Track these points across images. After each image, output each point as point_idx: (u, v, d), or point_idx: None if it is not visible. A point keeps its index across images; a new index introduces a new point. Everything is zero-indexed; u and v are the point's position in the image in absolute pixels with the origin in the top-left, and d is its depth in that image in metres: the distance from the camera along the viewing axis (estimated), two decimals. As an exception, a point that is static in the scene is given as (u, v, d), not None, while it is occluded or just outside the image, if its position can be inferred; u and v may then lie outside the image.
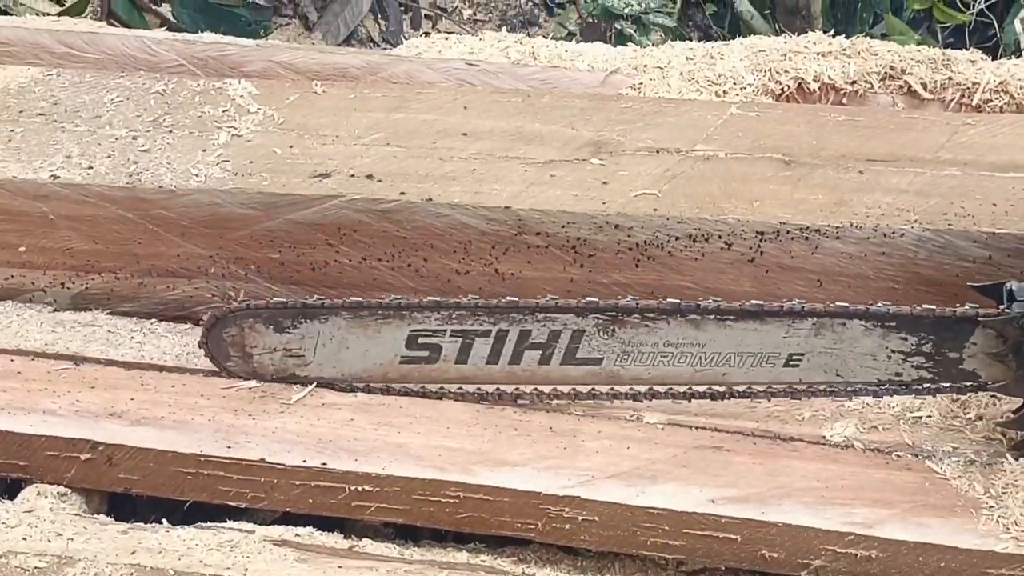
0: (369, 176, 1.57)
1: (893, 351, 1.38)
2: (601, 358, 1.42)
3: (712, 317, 1.38)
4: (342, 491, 1.34)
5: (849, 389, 1.41)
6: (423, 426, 1.41)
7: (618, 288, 1.55)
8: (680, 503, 1.32)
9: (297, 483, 1.35)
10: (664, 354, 1.41)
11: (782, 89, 1.91)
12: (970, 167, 1.56)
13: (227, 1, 2.73)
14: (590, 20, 3.43)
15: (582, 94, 1.81)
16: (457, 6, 3.98)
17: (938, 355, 1.37)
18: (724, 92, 1.90)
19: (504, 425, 1.42)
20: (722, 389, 1.42)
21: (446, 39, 2.02)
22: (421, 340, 1.42)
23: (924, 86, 1.90)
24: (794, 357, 1.39)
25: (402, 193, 1.54)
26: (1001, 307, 1.35)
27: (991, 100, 1.86)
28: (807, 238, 1.50)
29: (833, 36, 2.00)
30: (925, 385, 1.40)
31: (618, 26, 3.27)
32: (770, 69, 1.93)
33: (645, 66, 1.95)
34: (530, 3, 4.16)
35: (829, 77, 1.92)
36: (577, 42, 2.08)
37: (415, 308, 1.41)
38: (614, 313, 1.40)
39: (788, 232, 1.50)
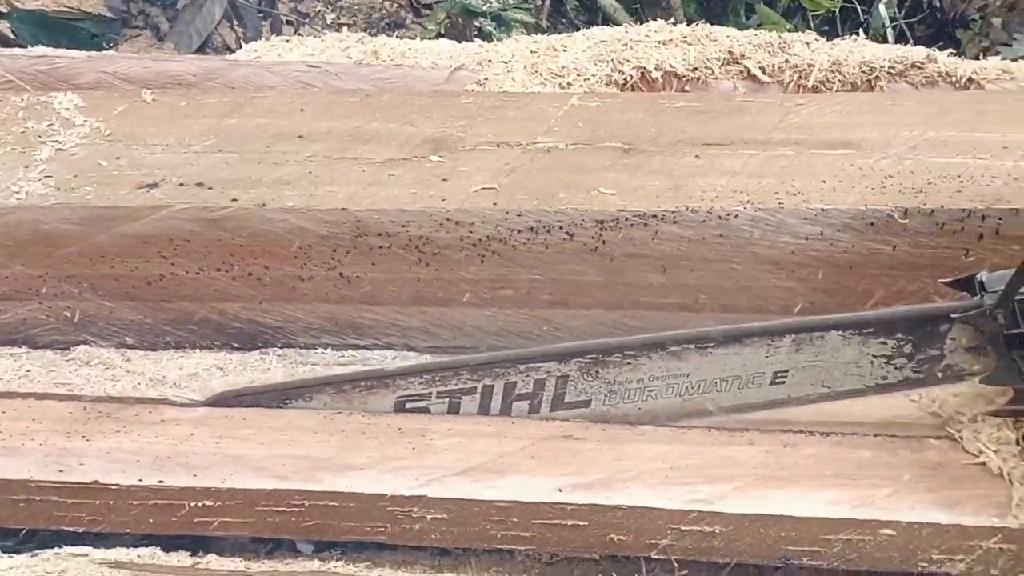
0: (199, 184, 1.54)
1: (875, 356, 1.38)
2: (589, 400, 1.42)
3: (692, 346, 1.39)
4: (182, 508, 1.31)
5: (838, 398, 1.41)
6: (266, 436, 1.38)
7: (466, 285, 1.54)
8: (527, 494, 1.31)
9: (134, 503, 1.31)
10: (651, 388, 1.41)
11: (625, 79, 1.92)
12: (801, 146, 1.59)
13: (69, 14, 2.65)
14: (455, 19, 3.42)
15: (423, 91, 1.79)
16: (319, 10, 3.93)
17: (920, 354, 1.38)
18: (568, 84, 1.91)
19: (351, 429, 1.40)
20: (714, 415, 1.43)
21: (287, 42, 1.99)
22: (409, 405, 1.42)
23: (763, 69, 1.93)
24: (779, 375, 1.40)
25: (234, 200, 1.51)
26: (974, 299, 1.35)
27: (826, 80, 1.90)
28: (646, 224, 1.51)
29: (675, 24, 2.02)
30: (912, 385, 1.40)
31: (478, 24, 3.27)
32: (613, 59, 1.94)
33: (489, 61, 1.94)
34: (396, 5, 4.14)
35: (671, 65, 1.93)
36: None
37: (398, 375, 1.41)
38: (595, 355, 1.40)
39: (627, 219, 1.51)
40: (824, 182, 1.52)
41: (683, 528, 1.29)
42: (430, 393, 1.42)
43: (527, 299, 1.55)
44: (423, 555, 1.40)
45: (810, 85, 1.90)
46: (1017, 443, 1.33)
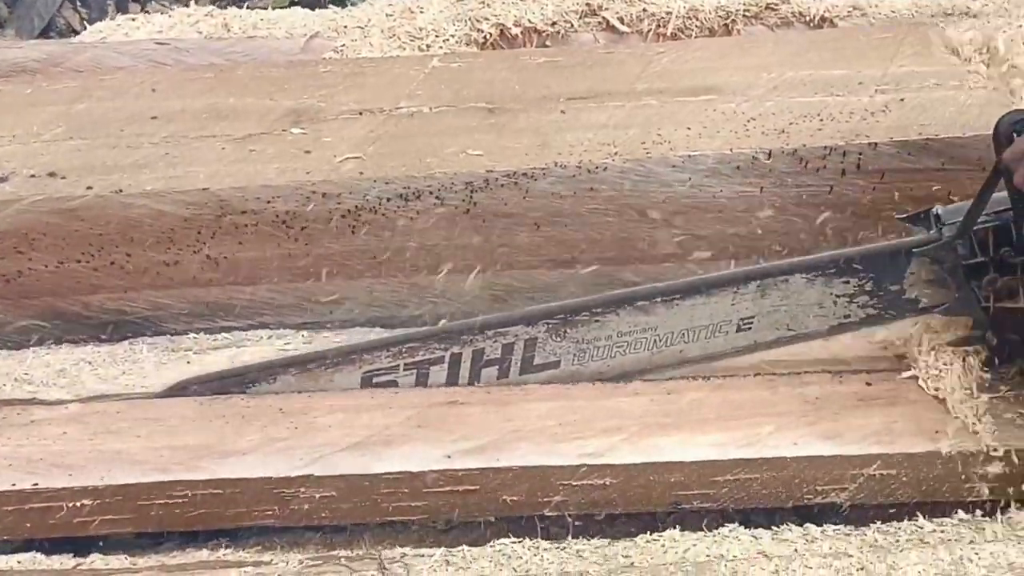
0: (51, 174, 1.48)
1: (838, 296, 1.39)
2: (559, 360, 1.41)
3: (659, 299, 1.38)
4: (59, 509, 1.27)
5: (802, 340, 1.41)
6: (143, 429, 1.34)
7: (338, 258, 1.51)
8: (416, 463, 1.30)
9: (9, 509, 1.27)
10: (620, 344, 1.40)
11: (485, 37, 1.90)
12: (665, 95, 1.59)
13: (-103, 5, 2.51)
14: (308, -13, 3.34)
15: (280, 63, 1.75)
16: (168, -14, 3.81)
17: (880, 291, 1.39)
18: (428, 46, 1.88)
19: (231, 415, 1.37)
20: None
21: (133, 20, 1.92)
22: (376, 380, 1.39)
23: (621, 20, 1.93)
24: (745, 321, 1.40)
25: (89, 188, 1.46)
26: (931, 232, 1.36)
27: (684, 27, 1.91)
28: (516, 183, 1.50)
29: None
30: (873, 322, 1.41)
31: (332, -10, 3.20)
32: (471, 18, 1.91)
33: (346, 27, 1.90)
34: (244, -25, 4.03)
35: (529, 20, 1.92)
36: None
37: (364, 350, 1.39)
38: (563, 315, 1.38)
39: (497, 179, 1.49)
40: (689, 129, 1.53)
41: (575, 483, 1.29)
42: (397, 366, 1.40)
43: (401, 267, 1.53)
44: (315, 535, 1.38)
45: (669, 33, 1.91)
46: (977, 372, 1.37)
